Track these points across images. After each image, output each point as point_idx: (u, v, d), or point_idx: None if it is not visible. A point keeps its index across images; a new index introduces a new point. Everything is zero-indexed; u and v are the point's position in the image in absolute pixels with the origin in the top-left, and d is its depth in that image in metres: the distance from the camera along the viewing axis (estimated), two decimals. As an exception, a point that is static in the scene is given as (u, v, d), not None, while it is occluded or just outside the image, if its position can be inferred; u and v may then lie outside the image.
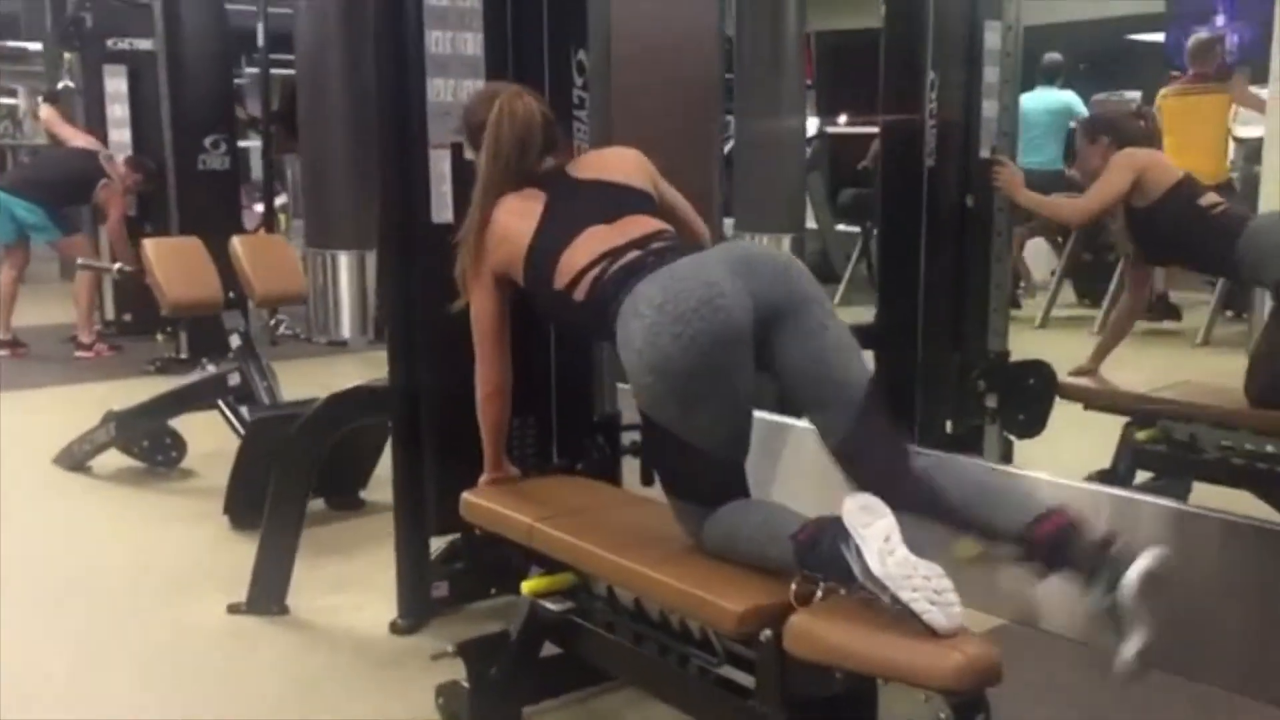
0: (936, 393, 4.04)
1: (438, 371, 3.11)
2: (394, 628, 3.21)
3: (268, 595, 3.32)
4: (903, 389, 4.06)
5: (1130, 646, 2.02)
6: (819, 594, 2.07)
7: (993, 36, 4.06)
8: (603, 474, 3.06)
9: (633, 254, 2.39)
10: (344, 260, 7.60)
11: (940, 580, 1.93)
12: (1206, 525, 3.11)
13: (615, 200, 2.55)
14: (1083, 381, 4.03)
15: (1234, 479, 3.66)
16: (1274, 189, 5.91)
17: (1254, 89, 6.87)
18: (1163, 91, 7.16)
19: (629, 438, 3.17)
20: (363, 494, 4.32)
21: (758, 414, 2.33)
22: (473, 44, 3.09)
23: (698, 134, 3.46)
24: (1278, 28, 6.27)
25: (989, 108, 4.09)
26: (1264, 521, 3.25)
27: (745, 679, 2.26)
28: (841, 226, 9.42)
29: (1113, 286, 7.30)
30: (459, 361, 2.96)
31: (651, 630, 2.46)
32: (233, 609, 3.34)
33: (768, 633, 2.08)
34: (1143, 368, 4.91)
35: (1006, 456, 4.06)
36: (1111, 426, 3.89)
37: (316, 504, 4.14)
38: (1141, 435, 3.81)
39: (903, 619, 1.93)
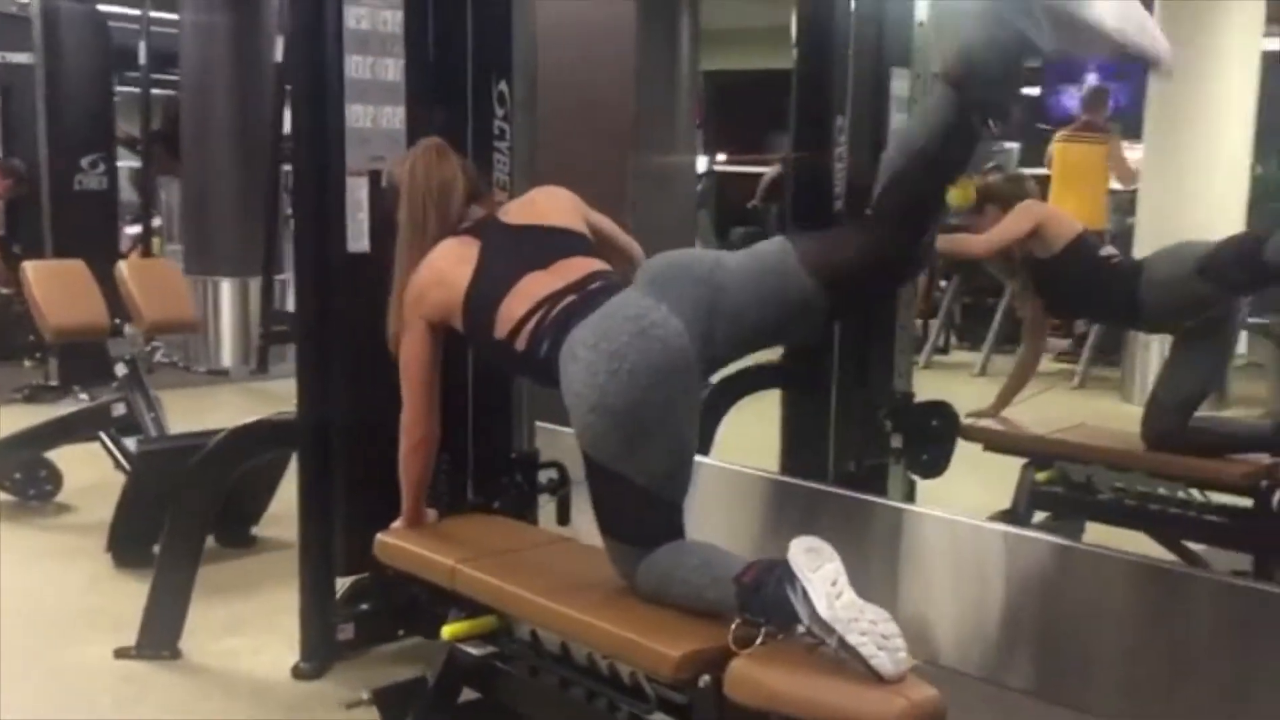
0: (845, 432, 4.08)
1: (349, 404, 3.02)
2: (297, 672, 3.08)
3: (160, 638, 3.16)
4: (812, 427, 4.10)
5: None
6: (760, 638, 2.03)
7: (900, 84, 4.14)
8: (520, 513, 2.99)
9: (569, 299, 2.37)
10: (226, 287, 7.42)
11: (887, 625, 1.91)
12: (1098, 563, 3.21)
13: (550, 245, 2.52)
14: (983, 423, 4.11)
15: (1128, 519, 3.76)
16: (1147, 238, 6.20)
17: (1129, 144, 7.22)
18: (1056, 136, 7.44)
19: (545, 475, 3.11)
20: (254, 531, 4.16)
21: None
22: (393, 70, 3.02)
23: (612, 168, 3.43)
24: (1151, 91, 6.62)
25: (895, 153, 4.16)
26: (1154, 560, 3.38)
27: (677, 725, 2.22)
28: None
29: (992, 330, 7.52)
30: (371, 394, 2.89)
31: (578, 675, 2.41)
32: (121, 653, 3.17)
33: (706, 678, 2.04)
34: (1025, 410, 5.02)
35: (910, 497, 4.11)
36: (1010, 468, 3.98)
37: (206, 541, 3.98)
38: (1040, 476, 3.90)
39: (846, 664, 1.91)
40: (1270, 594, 2.96)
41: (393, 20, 3.02)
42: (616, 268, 2.56)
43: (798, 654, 1.98)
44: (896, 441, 4.03)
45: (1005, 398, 4.21)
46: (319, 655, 3.08)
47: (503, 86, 3.17)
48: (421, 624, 3.21)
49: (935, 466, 4.08)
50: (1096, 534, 3.80)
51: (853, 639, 1.89)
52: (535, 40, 3.11)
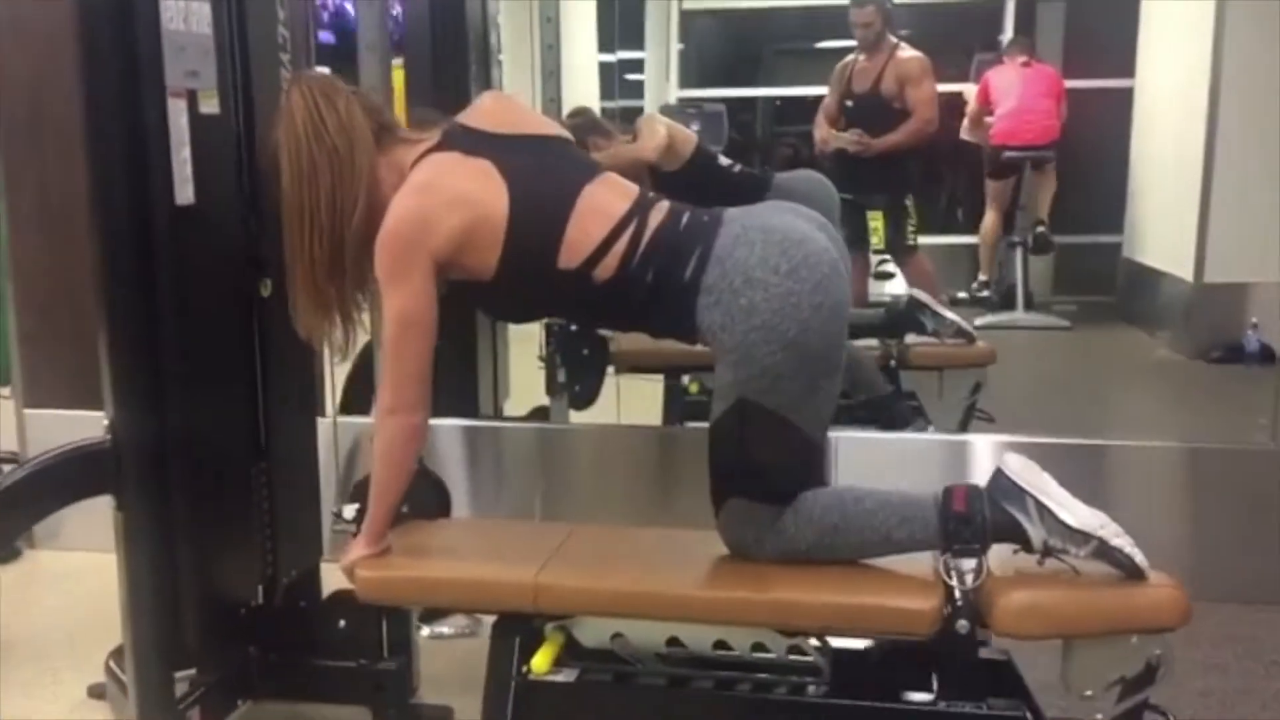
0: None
1: (192, 417, 2.18)
2: (161, 796, 2.19)
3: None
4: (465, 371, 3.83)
5: None
6: (983, 568, 1.96)
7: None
8: (442, 509, 2.41)
9: (658, 217, 2.04)
10: None
11: (1115, 524, 1.98)
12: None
13: (573, 157, 2.15)
14: (625, 347, 4.10)
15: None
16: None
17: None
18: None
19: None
20: None
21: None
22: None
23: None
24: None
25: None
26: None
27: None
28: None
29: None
30: (219, 402, 2.17)
31: (695, 668, 2.08)
32: None
33: (963, 623, 1.93)
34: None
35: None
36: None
37: None
38: (693, 388, 4.03)
39: (1079, 572, 1.94)
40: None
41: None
42: None
43: (1031, 573, 1.96)
44: (563, 375, 3.88)
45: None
46: (178, 763, 2.23)
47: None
48: (252, 687, 2.49)
49: (588, 396, 3.99)
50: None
51: (1115, 541, 1.92)
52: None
